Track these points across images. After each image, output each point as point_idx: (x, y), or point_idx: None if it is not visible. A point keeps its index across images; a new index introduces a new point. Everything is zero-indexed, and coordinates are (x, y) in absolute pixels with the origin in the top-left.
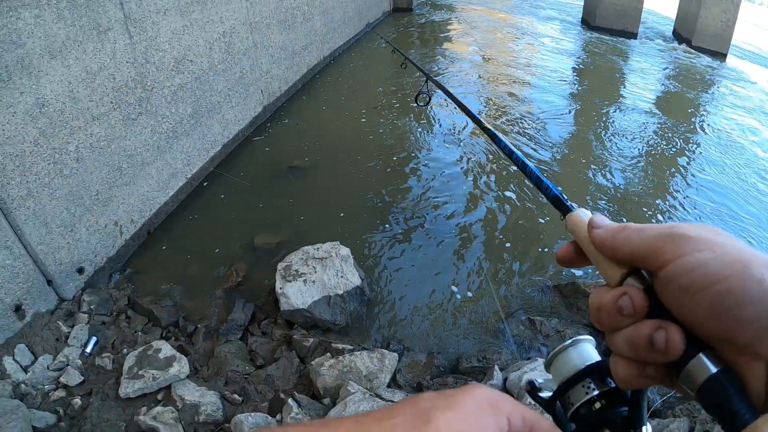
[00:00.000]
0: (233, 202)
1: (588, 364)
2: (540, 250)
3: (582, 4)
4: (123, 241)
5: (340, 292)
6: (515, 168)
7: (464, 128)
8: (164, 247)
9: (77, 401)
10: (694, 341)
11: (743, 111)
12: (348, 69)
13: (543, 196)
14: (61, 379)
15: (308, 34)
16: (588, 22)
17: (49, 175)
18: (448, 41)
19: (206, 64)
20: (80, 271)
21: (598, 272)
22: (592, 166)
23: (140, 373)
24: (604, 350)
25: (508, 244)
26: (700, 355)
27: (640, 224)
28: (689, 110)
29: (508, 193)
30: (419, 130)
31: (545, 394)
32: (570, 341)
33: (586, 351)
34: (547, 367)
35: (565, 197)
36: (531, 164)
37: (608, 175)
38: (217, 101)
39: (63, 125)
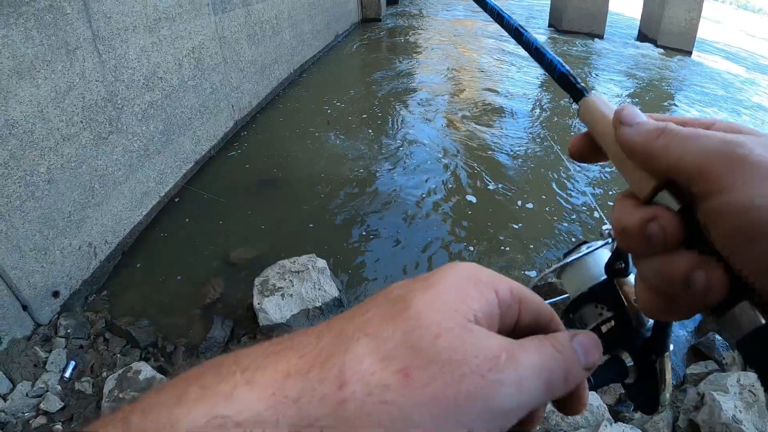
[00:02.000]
0: (207, 219)
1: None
2: (510, 254)
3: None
4: (98, 263)
5: (319, 304)
6: (485, 170)
7: (450, 136)
8: (140, 267)
9: (59, 428)
10: (738, 284)
11: (706, 104)
12: (318, 81)
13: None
14: (41, 406)
15: (278, 48)
16: (555, 26)
17: (20, 197)
18: (417, 50)
19: (176, 80)
20: (55, 294)
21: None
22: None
23: (121, 396)
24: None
25: (480, 249)
26: (746, 302)
27: (686, 128)
28: (656, 105)
29: (475, 198)
30: (387, 141)
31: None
32: (586, 248)
33: (603, 261)
34: (559, 274)
35: (576, 78)
36: (530, 34)
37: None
38: (188, 117)
39: (33, 146)
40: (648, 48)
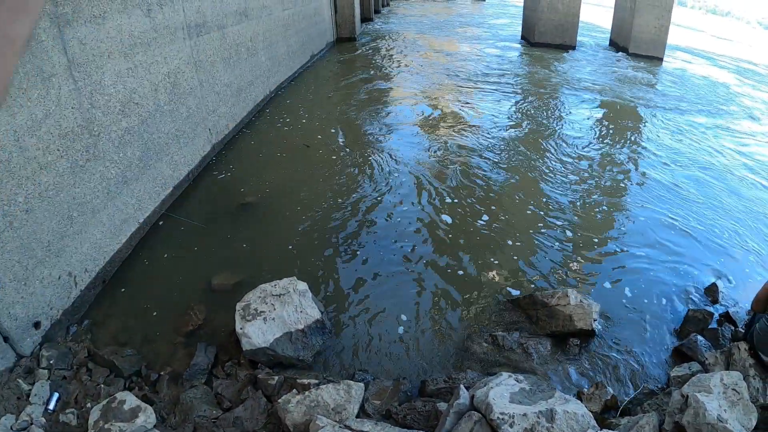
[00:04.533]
0: (187, 244)
1: None
2: (493, 267)
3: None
4: (78, 292)
5: (301, 327)
6: (465, 192)
7: (425, 154)
8: (121, 296)
9: None
10: None
11: (682, 111)
12: (294, 101)
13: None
14: None
15: (253, 69)
16: (527, 39)
17: None
18: (390, 67)
19: (152, 105)
20: (36, 325)
21: None
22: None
23: (106, 426)
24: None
25: (462, 264)
26: None
27: None
28: (628, 110)
29: (456, 216)
30: (366, 161)
31: None
32: None
33: None
34: None
35: None
36: None
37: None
38: (165, 142)
39: (10, 176)
40: (618, 56)
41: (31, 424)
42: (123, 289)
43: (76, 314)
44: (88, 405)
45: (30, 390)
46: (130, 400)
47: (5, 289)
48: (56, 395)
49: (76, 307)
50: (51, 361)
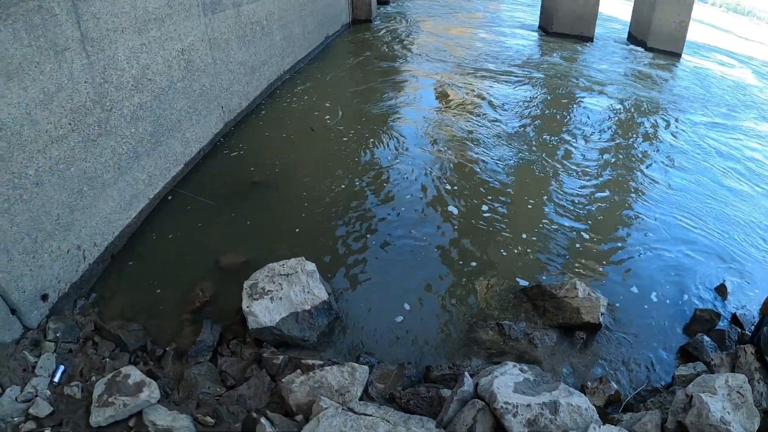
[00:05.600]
0: (197, 221)
1: None
2: (502, 255)
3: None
4: (87, 266)
5: (308, 307)
6: (474, 181)
7: (433, 142)
8: (129, 270)
9: None
10: None
11: (699, 108)
12: (308, 82)
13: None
14: (31, 411)
15: (268, 49)
16: (545, 29)
17: (8, 200)
18: (404, 51)
19: (165, 82)
20: (44, 298)
21: None
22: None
23: (110, 400)
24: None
25: (469, 252)
26: None
27: None
28: (646, 107)
29: (465, 205)
30: (377, 146)
31: None
32: None
33: None
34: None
35: None
36: None
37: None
38: (178, 119)
39: (21, 149)
40: (637, 50)
41: (36, 395)
42: (131, 264)
43: (84, 288)
44: (93, 378)
45: (36, 362)
46: (135, 374)
47: (14, 262)
48: (62, 368)
49: (84, 281)
50: (57, 334)
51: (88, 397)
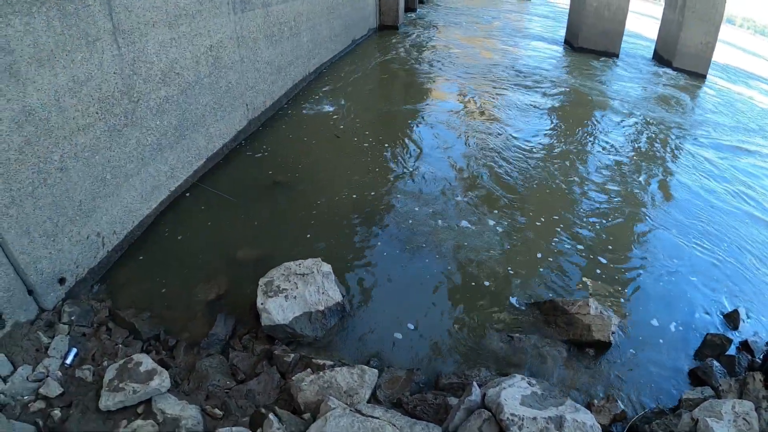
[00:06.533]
0: (216, 216)
1: None
2: (517, 269)
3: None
4: (105, 253)
5: (321, 308)
6: (490, 194)
7: (452, 151)
8: (146, 260)
9: (57, 413)
10: None
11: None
12: (333, 85)
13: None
14: (41, 390)
15: (294, 49)
16: (571, 44)
17: (33, 184)
18: (429, 60)
19: (192, 77)
20: (62, 281)
21: None
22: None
23: (121, 385)
24: None
25: (485, 262)
26: None
27: None
28: (667, 129)
29: (481, 216)
30: (397, 152)
31: None
32: None
33: None
34: None
35: None
36: None
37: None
38: (202, 114)
39: (48, 134)
40: (661, 71)
41: (47, 376)
42: (149, 254)
43: (101, 274)
44: (105, 363)
45: (49, 343)
46: (147, 362)
47: (34, 243)
48: (74, 350)
49: (102, 267)
50: (72, 317)
51: (99, 381)
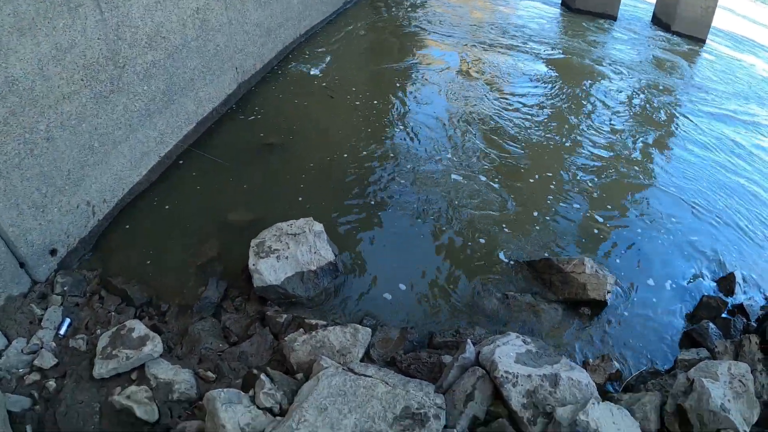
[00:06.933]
0: (207, 180)
1: None
2: (512, 228)
3: None
4: (96, 221)
5: (314, 268)
6: (486, 154)
7: (447, 112)
8: (137, 227)
9: (52, 384)
10: None
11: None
12: (324, 47)
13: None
14: (36, 362)
15: (284, 11)
16: (568, 5)
17: (19, 155)
18: (424, 20)
19: (179, 40)
20: (53, 252)
21: None
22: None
23: (114, 353)
24: None
25: (479, 220)
26: None
27: None
28: (663, 93)
29: (476, 175)
30: (390, 113)
31: None
32: None
33: None
34: None
35: None
36: None
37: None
38: (191, 78)
39: (33, 104)
40: (660, 34)
41: (42, 347)
42: (140, 221)
43: (93, 243)
44: (98, 332)
45: (42, 315)
46: (139, 328)
47: (23, 216)
48: (68, 321)
49: (93, 236)
50: (65, 288)
51: (93, 349)
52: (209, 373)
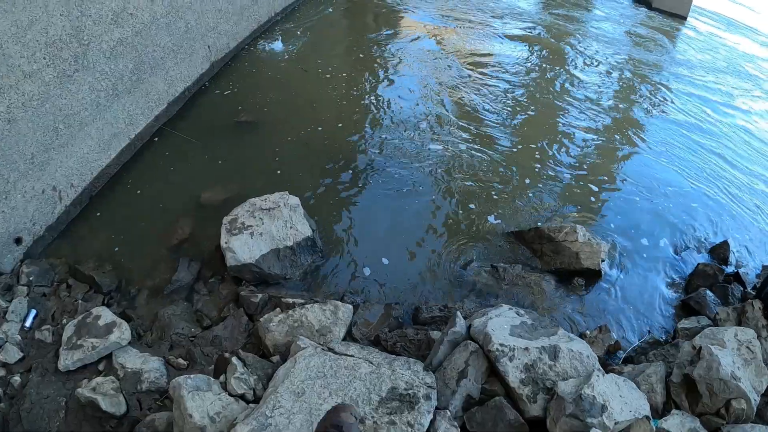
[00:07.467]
0: (179, 160)
1: None
2: (498, 197)
3: None
4: (63, 207)
5: (290, 243)
6: (469, 122)
7: (426, 85)
8: (107, 211)
9: (17, 379)
10: None
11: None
12: (301, 24)
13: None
14: (0, 357)
15: None
16: None
17: None
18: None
19: (147, 17)
20: (18, 241)
21: None
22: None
23: (79, 342)
24: None
25: (463, 192)
26: None
27: None
28: (644, 69)
29: (463, 141)
30: (367, 87)
31: None
32: None
33: None
34: None
35: None
36: None
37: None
38: (161, 57)
39: None
40: (641, 11)
41: (6, 341)
42: (110, 205)
43: (60, 230)
44: (65, 321)
45: (8, 307)
46: (106, 315)
47: None
48: (33, 312)
49: (60, 223)
50: (31, 278)
51: (59, 340)
52: (180, 360)
